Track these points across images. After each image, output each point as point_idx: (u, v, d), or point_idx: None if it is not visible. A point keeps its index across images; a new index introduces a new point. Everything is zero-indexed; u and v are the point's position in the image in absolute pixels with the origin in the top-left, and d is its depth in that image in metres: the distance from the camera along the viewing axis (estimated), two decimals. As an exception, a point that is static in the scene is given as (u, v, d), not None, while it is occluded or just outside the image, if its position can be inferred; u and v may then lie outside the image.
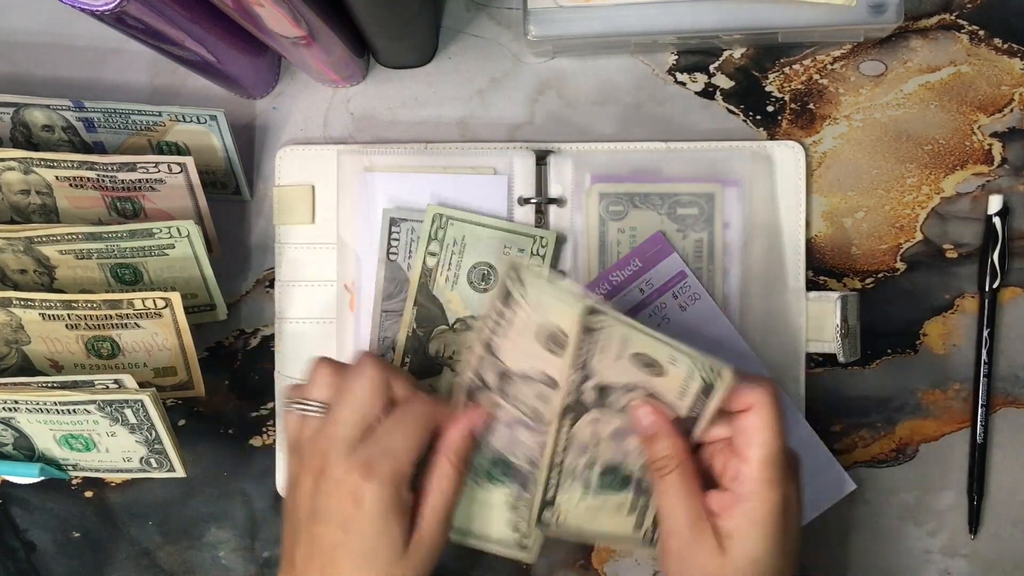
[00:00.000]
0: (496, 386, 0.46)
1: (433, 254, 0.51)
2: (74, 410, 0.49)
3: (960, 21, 0.54)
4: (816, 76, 0.54)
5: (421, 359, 0.52)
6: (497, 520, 0.48)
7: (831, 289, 0.54)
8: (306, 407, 0.45)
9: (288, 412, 0.46)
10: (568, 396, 0.45)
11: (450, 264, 0.51)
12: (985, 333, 0.53)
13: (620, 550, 0.55)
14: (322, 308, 0.55)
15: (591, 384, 0.45)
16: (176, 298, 0.50)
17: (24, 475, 0.52)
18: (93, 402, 0.48)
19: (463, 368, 0.47)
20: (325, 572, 0.43)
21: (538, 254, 0.51)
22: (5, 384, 0.49)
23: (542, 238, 0.52)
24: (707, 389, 0.43)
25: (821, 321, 0.52)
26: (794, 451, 0.44)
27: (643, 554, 0.55)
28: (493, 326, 0.45)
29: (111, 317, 0.50)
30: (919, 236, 0.54)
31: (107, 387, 0.48)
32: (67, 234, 0.50)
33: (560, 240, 0.53)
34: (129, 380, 0.48)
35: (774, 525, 0.42)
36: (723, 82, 0.55)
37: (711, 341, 0.51)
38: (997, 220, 0.53)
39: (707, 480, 0.44)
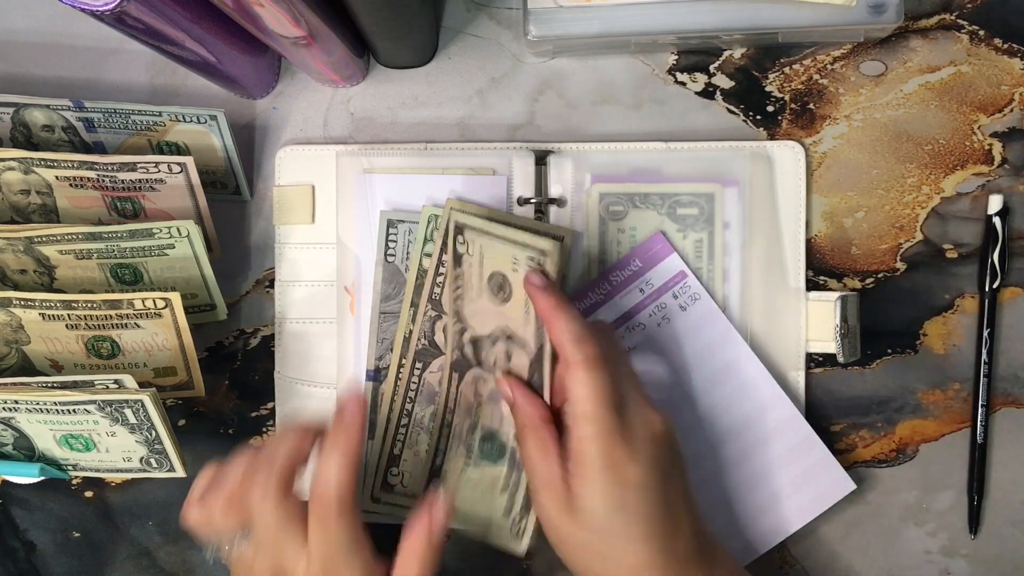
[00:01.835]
0: (473, 356, 0.49)
1: (429, 255, 0.51)
2: (74, 410, 0.49)
3: (960, 21, 0.54)
4: (816, 76, 0.54)
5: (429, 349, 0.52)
6: (493, 504, 0.49)
7: (831, 289, 0.54)
8: (230, 547, 0.43)
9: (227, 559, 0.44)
10: (453, 351, 0.48)
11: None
12: (985, 333, 0.53)
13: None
14: (322, 308, 0.55)
15: (467, 337, 0.48)
16: (176, 298, 0.50)
17: (24, 475, 0.52)
18: (93, 402, 0.48)
19: (447, 347, 0.50)
20: None
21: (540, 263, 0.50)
22: (5, 384, 0.49)
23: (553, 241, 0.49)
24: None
25: (821, 321, 0.52)
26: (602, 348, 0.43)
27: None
28: (456, 292, 0.49)
29: (111, 317, 0.50)
30: (919, 236, 0.54)
31: (107, 387, 0.48)
32: (67, 234, 0.50)
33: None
34: (129, 380, 0.48)
35: (602, 477, 0.42)
36: (723, 82, 0.55)
37: (710, 342, 0.51)
38: (997, 220, 0.53)
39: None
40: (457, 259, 0.48)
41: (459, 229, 0.48)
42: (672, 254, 0.51)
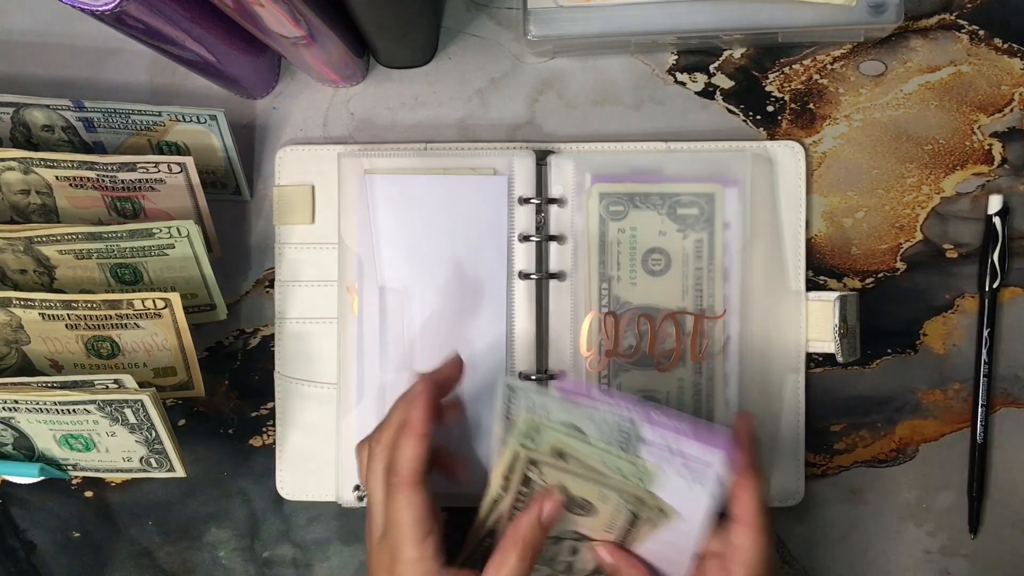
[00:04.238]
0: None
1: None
2: (74, 410, 0.49)
3: (960, 21, 0.54)
4: (816, 76, 0.54)
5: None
6: None
7: (831, 289, 0.54)
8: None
9: None
10: None
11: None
12: (985, 333, 0.53)
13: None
14: (322, 308, 0.55)
15: None
16: (176, 299, 0.50)
17: (24, 475, 0.52)
18: (93, 402, 0.48)
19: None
20: None
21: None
22: (5, 384, 0.49)
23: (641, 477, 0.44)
24: (634, 520, 0.44)
25: (821, 321, 0.52)
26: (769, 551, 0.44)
27: None
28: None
29: (111, 317, 0.50)
30: (919, 236, 0.54)
31: (107, 387, 0.48)
32: (67, 234, 0.50)
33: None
34: (129, 380, 0.48)
35: None
36: (723, 82, 0.55)
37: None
38: (997, 220, 0.53)
39: None
40: (526, 482, 0.45)
41: (532, 462, 0.44)
42: (720, 463, 0.42)
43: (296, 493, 0.55)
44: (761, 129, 0.55)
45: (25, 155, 0.50)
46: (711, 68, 0.55)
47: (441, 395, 0.47)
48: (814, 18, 0.50)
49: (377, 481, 0.46)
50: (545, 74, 0.55)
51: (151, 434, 0.50)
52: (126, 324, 0.51)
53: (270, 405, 0.56)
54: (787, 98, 0.54)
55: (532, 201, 0.53)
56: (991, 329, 0.53)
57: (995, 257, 0.53)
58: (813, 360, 0.54)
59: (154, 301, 0.50)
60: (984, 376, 0.53)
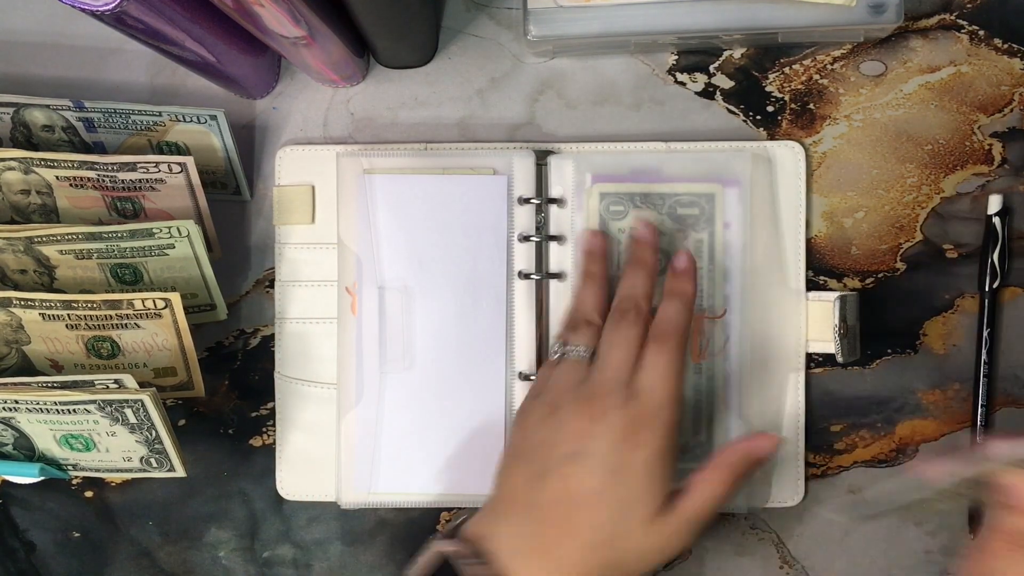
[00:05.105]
0: None
1: None
2: (74, 410, 0.49)
3: (960, 21, 0.54)
4: (816, 76, 0.54)
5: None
6: None
7: (831, 289, 0.54)
8: (572, 351, 0.48)
9: (554, 360, 0.49)
10: None
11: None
12: (985, 333, 0.53)
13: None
14: (322, 308, 0.55)
15: None
16: (176, 299, 0.50)
17: (24, 475, 0.52)
18: (93, 402, 0.48)
19: None
20: (575, 516, 0.43)
21: None
22: (5, 384, 0.49)
23: None
24: None
25: (821, 321, 0.52)
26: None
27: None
28: None
29: (111, 317, 0.50)
30: (919, 236, 0.54)
31: (107, 387, 0.48)
32: (67, 234, 0.50)
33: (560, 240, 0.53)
34: (129, 380, 0.48)
35: None
36: (723, 82, 0.55)
37: None
38: (997, 220, 0.53)
39: None
40: None
41: None
42: None
43: (296, 493, 0.55)
44: (761, 129, 0.55)
45: (25, 155, 0.50)
46: (711, 68, 0.55)
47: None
48: (814, 18, 0.50)
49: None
50: (545, 74, 0.55)
51: (151, 434, 0.50)
52: (126, 324, 0.51)
53: (270, 405, 0.56)
54: (787, 98, 0.54)
55: (532, 201, 0.53)
56: (991, 329, 0.53)
57: (995, 257, 0.53)
58: (813, 360, 0.54)
59: (154, 301, 0.50)
60: (984, 376, 0.53)
